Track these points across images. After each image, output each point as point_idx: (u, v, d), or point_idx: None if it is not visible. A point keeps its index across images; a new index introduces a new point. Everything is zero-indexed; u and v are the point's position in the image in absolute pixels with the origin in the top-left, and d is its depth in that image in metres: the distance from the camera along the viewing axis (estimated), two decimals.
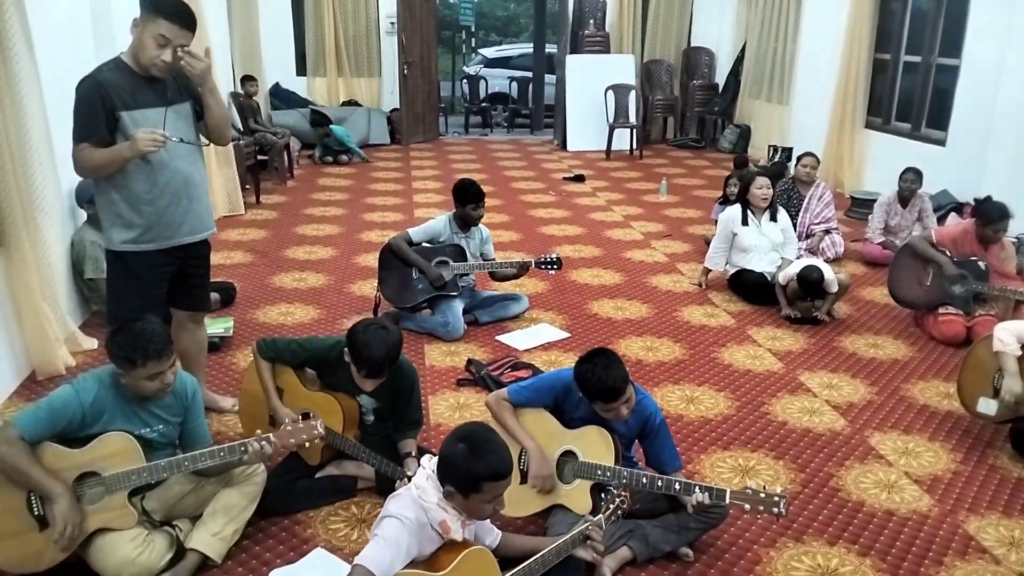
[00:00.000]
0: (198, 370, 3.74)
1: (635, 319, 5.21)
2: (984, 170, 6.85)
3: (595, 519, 2.49)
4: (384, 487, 3.18)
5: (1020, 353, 3.63)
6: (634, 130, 11.13)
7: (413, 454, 3.11)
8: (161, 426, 2.74)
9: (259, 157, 8.40)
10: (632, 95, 11.09)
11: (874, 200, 7.44)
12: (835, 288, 5.16)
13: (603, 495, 2.57)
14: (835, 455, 3.68)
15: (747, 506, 2.60)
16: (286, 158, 9.03)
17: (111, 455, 2.56)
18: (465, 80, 15.27)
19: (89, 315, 4.79)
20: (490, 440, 2.22)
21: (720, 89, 12.02)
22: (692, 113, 12.20)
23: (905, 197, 6.52)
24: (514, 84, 14.13)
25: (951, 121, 7.54)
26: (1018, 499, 3.37)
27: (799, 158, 6.66)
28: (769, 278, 5.42)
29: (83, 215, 4.81)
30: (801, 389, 4.32)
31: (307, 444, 2.81)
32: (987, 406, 3.77)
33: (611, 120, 10.97)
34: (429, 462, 2.29)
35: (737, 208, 5.62)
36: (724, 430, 3.87)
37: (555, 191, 8.90)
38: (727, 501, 2.63)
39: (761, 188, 5.53)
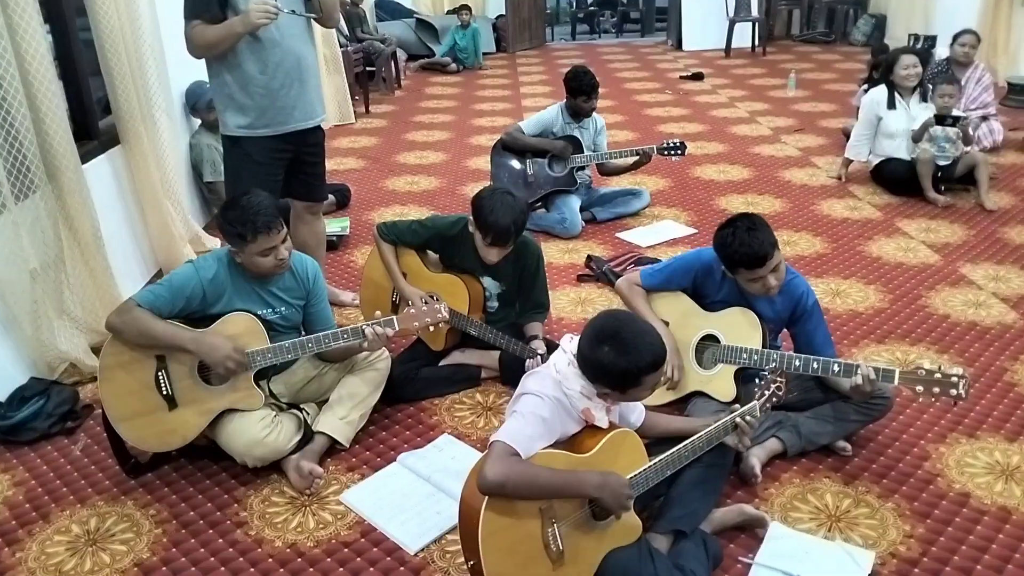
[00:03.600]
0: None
1: (768, 213, 4.81)
2: None
3: (748, 406, 2.24)
4: (510, 377, 3.05)
5: None
6: (756, 24, 10.33)
7: (540, 337, 2.94)
8: (283, 308, 2.65)
9: (367, 68, 8.28)
10: None
11: None
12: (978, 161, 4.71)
13: (757, 380, 2.32)
14: (1007, 349, 3.27)
15: (919, 388, 2.28)
16: (393, 67, 8.87)
17: (235, 335, 2.49)
18: None
19: (211, 218, 4.82)
20: (634, 330, 1.97)
21: None
22: (820, 4, 11.21)
23: None
24: None
25: None
26: None
27: (956, 36, 5.92)
28: (924, 160, 4.89)
29: (196, 121, 4.80)
30: (963, 282, 3.88)
31: (431, 328, 2.67)
32: None
33: (731, 14, 10.21)
34: (570, 343, 2.08)
35: (882, 90, 5.05)
36: (877, 323, 3.50)
37: (672, 90, 8.39)
38: (896, 382, 2.32)
39: (907, 68, 4.93)
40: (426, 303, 2.62)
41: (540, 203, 4.65)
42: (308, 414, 2.68)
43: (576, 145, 4.58)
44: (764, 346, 2.61)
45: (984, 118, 5.85)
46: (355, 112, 7.51)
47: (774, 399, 2.31)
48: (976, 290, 3.78)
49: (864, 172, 5.30)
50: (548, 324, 3.50)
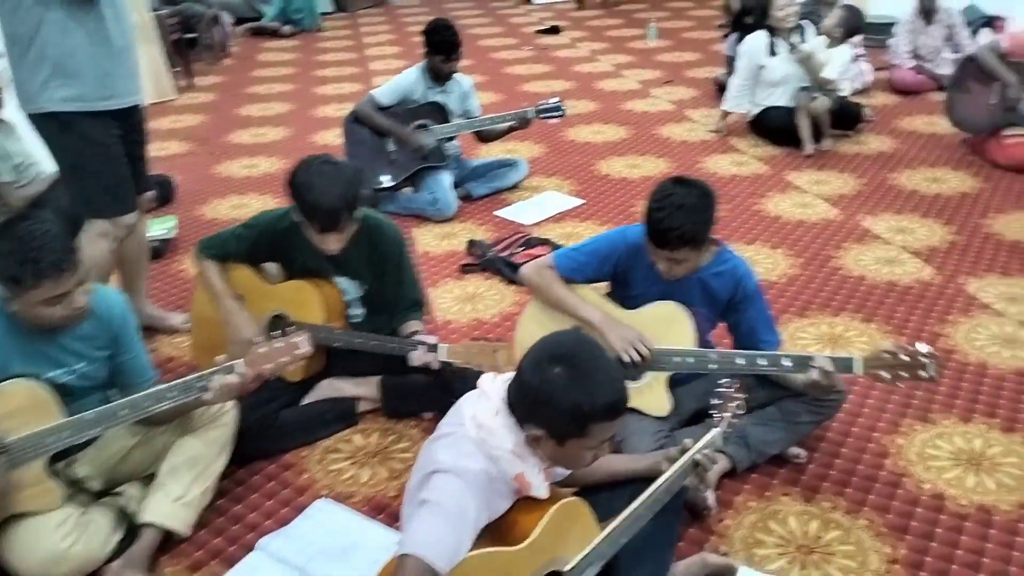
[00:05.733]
0: (140, 280, 2.96)
1: (655, 175, 4.42)
2: None
3: (708, 437, 1.78)
4: (396, 405, 2.48)
5: None
6: None
7: (422, 332, 2.36)
8: (82, 364, 1.96)
9: (186, 35, 7.25)
10: None
11: (889, 25, 6.61)
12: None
13: (712, 403, 1.87)
14: (933, 309, 3.03)
15: (885, 375, 1.92)
16: (217, 34, 7.85)
17: (12, 413, 1.79)
18: None
19: None
20: (595, 358, 1.46)
21: None
22: None
23: (928, 9, 5.68)
24: None
25: None
26: None
27: None
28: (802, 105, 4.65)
29: None
30: (869, 236, 3.63)
31: (291, 366, 2.06)
32: None
33: None
34: (493, 383, 1.54)
35: (760, 35, 4.74)
36: (794, 293, 3.18)
37: (530, 45, 7.88)
38: (858, 371, 1.95)
39: (784, 7, 4.64)
40: (280, 339, 2.00)
41: (407, 180, 4.04)
42: (129, 500, 2.01)
43: (441, 112, 3.98)
44: (698, 344, 2.18)
45: (854, 59, 5.71)
46: (176, 86, 6.53)
47: (735, 421, 1.88)
48: (884, 245, 3.54)
49: (742, 123, 5.02)
50: (434, 329, 2.94)
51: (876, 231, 3.67)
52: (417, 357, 2.22)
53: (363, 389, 2.52)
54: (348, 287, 2.46)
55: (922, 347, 1.92)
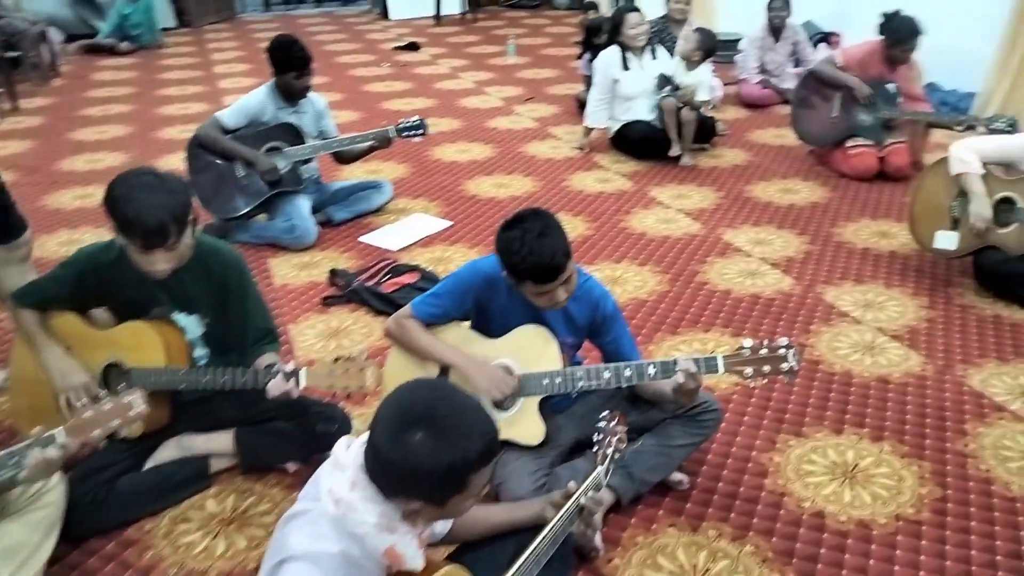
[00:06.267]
0: None
1: (522, 195, 4.36)
2: None
3: (592, 477, 1.68)
4: (253, 460, 2.26)
5: (984, 171, 3.13)
6: None
7: (278, 364, 2.10)
8: None
9: (9, 53, 6.60)
10: None
11: (734, 41, 6.91)
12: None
13: (595, 437, 1.77)
14: (796, 321, 3.09)
15: (748, 371, 1.91)
16: (46, 52, 7.20)
17: None
18: None
19: None
20: (454, 406, 1.31)
21: None
22: None
23: (777, 27, 5.96)
24: None
25: None
26: (1006, 342, 2.93)
27: None
28: (658, 124, 4.74)
29: None
30: (731, 249, 3.70)
31: (124, 431, 1.81)
32: (947, 240, 3.29)
33: None
34: (347, 450, 1.36)
35: (614, 51, 4.79)
36: (665, 310, 3.17)
37: (389, 62, 7.70)
38: (722, 369, 1.92)
39: (635, 27, 4.72)
40: (110, 399, 1.74)
41: (260, 207, 3.77)
42: None
43: (294, 134, 3.75)
44: (564, 363, 2.10)
45: None
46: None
47: (617, 456, 1.79)
48: (745, 257, 3.61)
49: (604, 139, 5.06)
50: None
51: (737, 244, 3.75)
52: (275, 386, 1.99)
53: (216, 444, 2.26)
54: (188, 324, 2.20)
55: (782, 340, 1.92)
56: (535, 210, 2.01)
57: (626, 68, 4.75)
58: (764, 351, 1.90)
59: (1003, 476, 2.25)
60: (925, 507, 2.14)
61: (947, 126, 4.37)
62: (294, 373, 1.99)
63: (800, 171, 4.67)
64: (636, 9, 4.88)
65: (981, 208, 3.09)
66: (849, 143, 4.52)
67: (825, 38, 6.68)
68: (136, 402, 1.75)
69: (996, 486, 2.22)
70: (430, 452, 1.25)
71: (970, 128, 4.19)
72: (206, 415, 2.25)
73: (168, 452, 2.23)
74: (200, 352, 2.24)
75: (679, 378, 1.92)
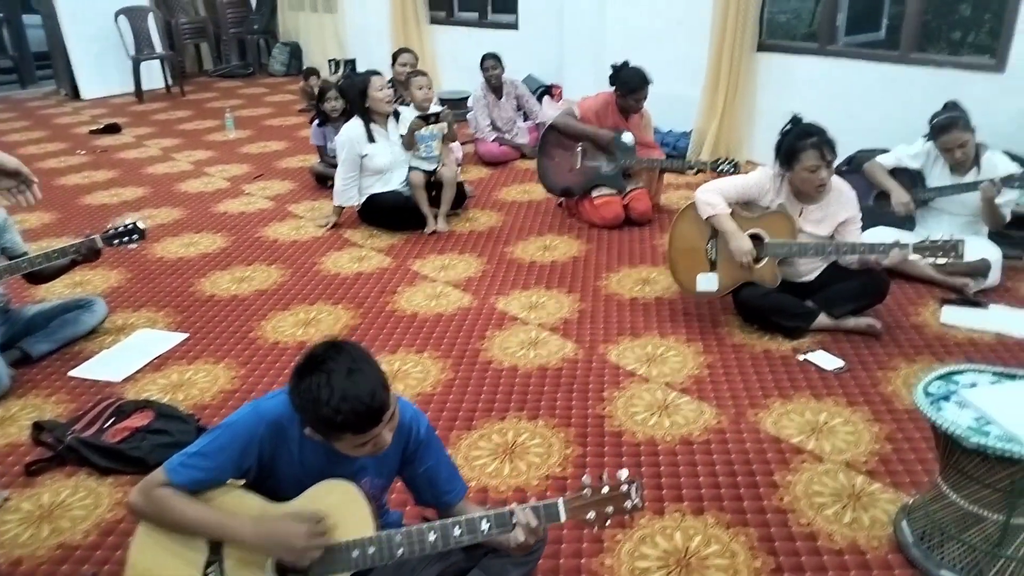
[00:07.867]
0: None
1: (269, 289, 3.88)
2: (562, 48, 6.67)
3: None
4: None
5: (729, 210, 3.24)
6: (164, 61, 9.13)
7: None
8: None
9: None
10: (151, 18, 9.00)
11: (462, 99, 6.93)
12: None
13: None
14: (587, 389, 2.96)
15: (590, 515, 1.69)
16: None
17: None
18: None
19: None
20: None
21: (255, 5, 10.46)
22: (229, 36, 10.46)
23: (494, 85, 6.03)
24: None
25: (518, 2, 7.23)
26: (781, 377, 3.01)
27: (395, 56, 5.72)
28: (418, 184, 4.53)
29: None
30: (507, 319, 3.51)
31: None
32: (708, 282, 3.37)
33: (132, 52, 8.80)
34: None
35: (356, 124, 4.49)
36: (455, 403, 2.88)
37: (85, 149, 6.75)
38: (563, 518, 1.69)
39: (382, 89, 4.48)
40: None
41: None
42: None
43: None
44: (377, 526, 1.73)
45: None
46: None
47: None
48: (523, 326, 3.45)
49: (352, 212, 4.72)
50: None
51: (512, 312, 3.58)
52: None
53: None
54: None
55: (622, 474, 1.72)
56: (331, 343, 1.62)
57: (371, 140, 4.48)
58: (606, 489, 1.68)
59: (824, 527, 2.22)
60: None
61: (679, 170, 4.59)
62: None
63: (554, 226, 4.67)
64: (377, 72, 4.64)
65: (741, 243, 3.19)
66: (595, 193, 4.60)
67: (547, 90, 6.91)
68: None
69: (821, 540, 2.18)
70: None
71: (700, 171, 4.46)
72: None
73: None
74: None
75: (519, 535, 1.66)
